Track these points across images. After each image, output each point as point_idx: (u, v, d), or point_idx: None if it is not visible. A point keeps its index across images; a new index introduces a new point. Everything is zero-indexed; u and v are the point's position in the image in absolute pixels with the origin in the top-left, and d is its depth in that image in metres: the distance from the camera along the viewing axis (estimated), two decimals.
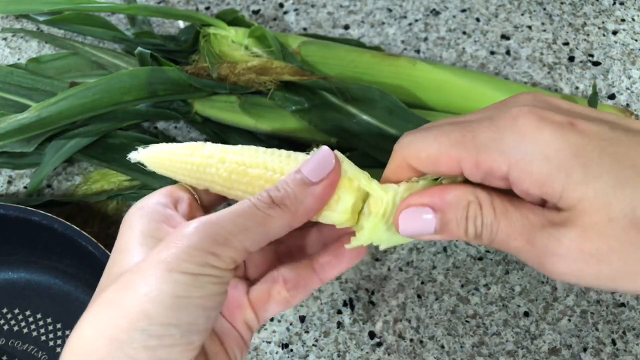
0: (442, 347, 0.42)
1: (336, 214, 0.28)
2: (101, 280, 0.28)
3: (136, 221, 0.29)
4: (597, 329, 0.42)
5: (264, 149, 0.30)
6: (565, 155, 0.23)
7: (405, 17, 0.56)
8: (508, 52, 0.54)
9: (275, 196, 0.27)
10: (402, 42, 0.55)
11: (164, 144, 0.33)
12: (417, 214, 0.27)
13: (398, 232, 0.27)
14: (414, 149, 0.27)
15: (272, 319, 0.44)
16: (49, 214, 0.41)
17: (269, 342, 0.43)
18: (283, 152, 0.30)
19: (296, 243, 0.34)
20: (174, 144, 0.32)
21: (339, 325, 0.43)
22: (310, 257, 0.32)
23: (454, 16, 0.56)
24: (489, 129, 0.25)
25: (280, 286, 0.31)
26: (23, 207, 0.41)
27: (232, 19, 0.51)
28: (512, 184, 0.24)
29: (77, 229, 0.40)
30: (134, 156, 0.33)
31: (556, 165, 0.23)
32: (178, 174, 0.32)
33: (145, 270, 0.25)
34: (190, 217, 0.31)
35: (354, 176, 0.28)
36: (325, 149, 0.28)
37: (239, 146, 0.31)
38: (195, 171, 0.31)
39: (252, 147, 0.31)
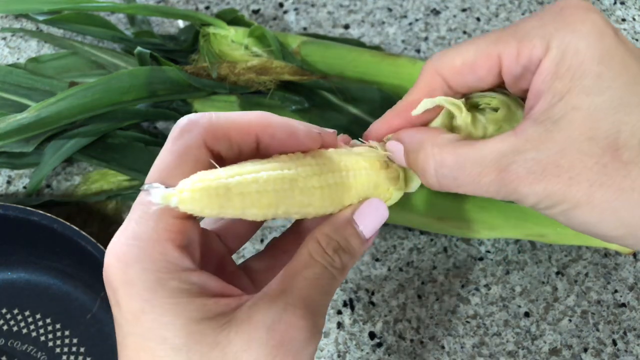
0: (443, 347, 0.42)
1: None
2: None
3: (169, 303, 0.22)
4: (597, 330, 0.42)
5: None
6: (592, 54, 0.23)
7: (405, 16, 0.56)
8: None
9: (345, 261, 0.25)
10: (403, 41, 0.55)
11: (202, 173, 0.22)
12: (395, 147, 0.28)
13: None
14: (448, 58, 0.27)
15: None
16: (49, 214, 0.41)
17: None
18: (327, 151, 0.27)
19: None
20: (214, 170, 0.22)
21: (339, 325, 0.43)
22: None
23: (455, 16, 0.56)
24: (533, 19, 0.25)
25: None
26: (22, 207, 0.41)
27: (232, 19, 0.51)
28: (537, 72, 0.24)
29: (77, 229, 0.40)
30: (160, 197, 0.21)
31: (579, 62, 0.23)
32: (249, 206, 0.22)
33: None
34: (207, 259, 0.26)
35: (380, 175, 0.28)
36: (379, 204, 0.27)
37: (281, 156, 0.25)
38: (279, 197, 0.23)
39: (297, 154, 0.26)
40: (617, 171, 0.23)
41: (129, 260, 0.22)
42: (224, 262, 0.29)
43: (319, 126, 0.28)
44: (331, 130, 0.28)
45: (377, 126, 0.30)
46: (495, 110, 0.28)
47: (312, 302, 0.23)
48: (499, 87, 0.28)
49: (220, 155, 0.25)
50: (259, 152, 0.25)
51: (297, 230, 0.30)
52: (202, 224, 0.28)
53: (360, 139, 0.30)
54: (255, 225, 0.31)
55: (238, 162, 0.24)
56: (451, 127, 0.29)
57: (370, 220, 0.26)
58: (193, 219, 0.24)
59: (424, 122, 0.29)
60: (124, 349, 0.23)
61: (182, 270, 0.23)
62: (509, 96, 0.28)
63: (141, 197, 0.24)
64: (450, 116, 0.29)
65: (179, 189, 0.21)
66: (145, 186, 0.22)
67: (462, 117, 0.27)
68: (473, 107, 0.28)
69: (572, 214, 0.24)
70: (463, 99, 0.28)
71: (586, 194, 0.23)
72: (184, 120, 0.24)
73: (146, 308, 0.22)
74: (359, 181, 0.27)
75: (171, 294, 0.22)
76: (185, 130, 0.24)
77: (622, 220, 0.23)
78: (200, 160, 0.23)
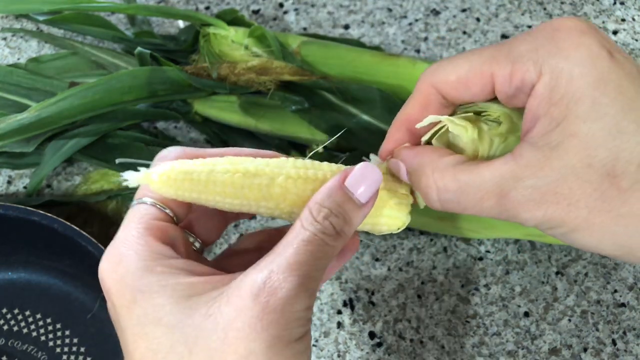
0: (442, 347, 0.42)
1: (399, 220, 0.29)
2: None
3: (159, 286, 0.23)
4: (597, 329, 0.42)
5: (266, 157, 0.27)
6: (587, 81, 0.23)
7: (405, 16, 0.56)
8: None
9: (337, 225, 0.25)
10: (402, 41, 0.55)
11: (172, 161, 0.26)
12: (397, 166, 0.29)
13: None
14: (442, 72, 0.27)
15: None
16: (49, 214, 0.41)
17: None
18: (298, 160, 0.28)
19: None
20: (185, 160, 0.25)
21: (339, 325, 0.43)
22: None
23: (454, 16, 0.56)
24: (526, 40, 0.25)
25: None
26: (23, 207, 0.41)
27: (232, 19, 0.51)
28: (531, 95, 0.24)
29: (77, 229, 0.40)
30: (135, 178, 0.25)
31: (574, 89, 0.23)
32: (210, 195, 0.25)
33: (263, 352, 0.22)
34: (189, 258, 0.27)
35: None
36: (369, 165, 0.26)
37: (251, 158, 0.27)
38: (236, 189, 0.25)
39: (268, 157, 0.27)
40: (615, 198, 0.23)
41: (117, 259, 0.24)
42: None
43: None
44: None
45: (384, 146, 0.31)
46: (498, 122, 0.28)
47: (299, 266, 0.23)
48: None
49: None
50: None
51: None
52: None
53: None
54: (223, 222, 0.31)
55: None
56: (454, 141, 0.29)
57: (363, 184, 0.26)
58: (173, 223, 0.26)
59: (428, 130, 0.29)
60: (125, 346, 0.24)
61: (167, 258, 0.24)
62: (511, 112, 0.28)
63: (126, 214, 0.26)
64: (449, 139, 0.29)
65: (152, 170, 0.24)
66: (122, 174, 0.25)
67: (469, 135, 0.27)
68: (476, 114, 0.28)
69: (572, 236, 0.24)
70: (470, 113, 0.28)
71: (585, 219, 0.23)
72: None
73: (137, 296, 0.23)
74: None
75: (159, 278, 0.23)
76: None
77: (621, 243, 0.24)
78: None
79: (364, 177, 0.26)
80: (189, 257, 0.26)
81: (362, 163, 0.27)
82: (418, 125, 0.28)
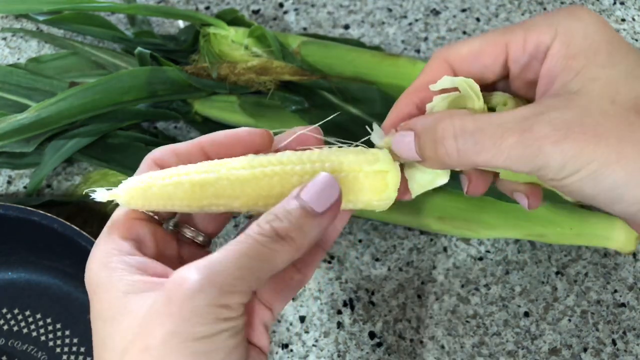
0: (442, 347, 0.42)
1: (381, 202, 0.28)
2: (96, 356, 0.24)
3: (108, 281, 0.24)
4: (597, 329, 0.42)
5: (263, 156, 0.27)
6: (601, 37, 0.24)
7: (405, 16, 0.56)
8: None
9: (280, 228, 0.24)
10: (402, 41, 0.55)
11: (134, 177, 0.27)
12: (403, 137, 0.27)
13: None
14: (455, 47, 0.28)
15: None
16: (49, 214, 0.41)
17: (269, 342, 0.43)
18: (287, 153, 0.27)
19: None
20: (149, 173, 0.27)
21: (339, 325, 0.43)
22: None
23: (454, 16, 0.56)
24: (542, 15, 0.26)
25: (291, 270, 0.29)
26: (23, 207, 0.41)
27: (232, 19, 0.51)
28: (547, 57, 0.25)
29: (77, 229, 0.40)
30: (103, 196, 0.26)
31: (589, 43, 0.24)
32: (176, 201, 0.26)
33: (156, 348, 0.22)
34: (159, 255, 0.27)
35: (365, 168, 0.28)
36: (325, 175, 0.26)
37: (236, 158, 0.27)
38: (199, 192, 0.26)
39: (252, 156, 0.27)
40: None
41: (92, 258, 0.26)
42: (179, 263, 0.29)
43: (318, 126, 0.28)
44: (313, 126, 0.28)
45: (390, 118, 0.29)
46: (504, 104, 0.28)
47: (212, 264, 0.23)
48: (504, 91, 0.28)
49: None
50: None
51: None
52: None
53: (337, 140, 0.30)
54: (222, 215, 0.31)
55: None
56: None
57: (320, 194, 0.25)
58: (142, 220, 0.27)
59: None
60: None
61: (124, 254, 0.25)
62: (516, 97, 0.28)
63: None
64: (460, 108, 0.28)
65: (118, 189, 0.26)
66: (87, 190, 0.27)
67: (478, 105, 0.27)
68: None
69: (603, 173, 0.23)
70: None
71: (616, 150, 0.22)
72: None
73: (96, 289, 0.25)
74: (308, 172, 0.27)
75: (110, 273, 0.24)
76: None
77: None
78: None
79: (321, 188, 0.25)
80: (162, 253, 0.27)
81: (322, 174, 0.25)
82: (432, 87, 0.28)
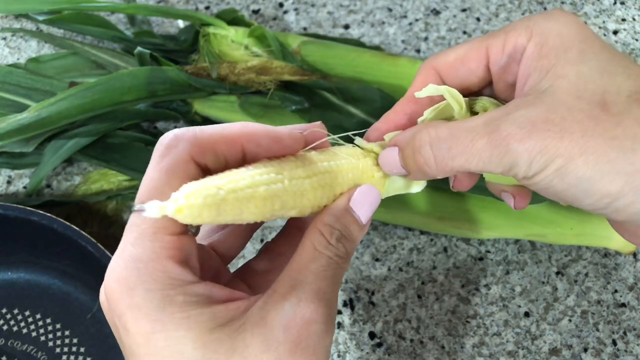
0: (443, 347, 0.42)
1: None
2: None
3: (178, 324, 0.21)
4: (597, 330, 0.42)
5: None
6: (574, 36, 0.25)
7: (405, 16, 0.56)
8: None
9: (350, 248, 0.25)
10: (403, 41, 0.55)
11: (193, 182, 0.22)
12: (389, 153, 0.28)
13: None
14: (442, 55, 0.29)
15: None
16: (49, 214, 0.41)
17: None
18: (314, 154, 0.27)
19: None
20: (207, 178, 0.23)
21: (339, 325, 0.43)
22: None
23: (455, 16, 0.56)
24: (522, 18, 0.27)
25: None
26: (22, 207, 0.41)
27: (232, 19, 0.51)
28: (522, 59, 0.26)
29: (77, 229, 0.40)
30: (156, 212, 0.21)
31: (562, 42, 0.25)
32: (244, 215, 0.23)
33: None
34: (204, 273, 0.25)
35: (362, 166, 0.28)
36: (370, 187, 0.27)
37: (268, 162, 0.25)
38: (270, 205, 0.23)
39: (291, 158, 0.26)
40: (607, 121, 0.23)
41: (131, 284, 0.22)
42: (219, 273, 0.28)
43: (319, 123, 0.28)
44: (317, 123, 0.28)
45: (377, 125, 0.31)
46: (485, 110, 0.29)
47: (324, 295, 0.23)
48: (491, 97, 0.29)
49: (208, 168, 0.24)
50: (245, 161, 0.25)
51: (290, 232, 0.30)
52: (198, 240, 0.28)
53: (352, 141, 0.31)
54: (247, 235, 0.30)
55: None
56: None
57: (365, 205, 0.26)
58: (188, 234, 0.24)
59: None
60: None
61: (186, 284, 0.22)
62: (499, 102, 0.29)
63: (134, 219, 0.23)
64: (447, 116, 0.29)
65: (174, 199, 0.21)
66: (136, 206, 0.22)
67: (462, 114, 0.28)
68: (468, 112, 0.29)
69: (567, 169, 0.23)
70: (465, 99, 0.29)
71: (579, 145, 0.23)
72: (168, 135, 0.24)
73: (156, 327, 0.21)
74: (344, 169, 0.27)
75: (180, 308, 0.22)
76: (171, 146, 0.23)
77: (618, 169, 0.22)
78: (189, 174, 0.23)
79: (366, 197, 0.27)
80: (201, 268, 0.25)
81: (365, 185, 0.27)
82: (417, 94, 0.29)
